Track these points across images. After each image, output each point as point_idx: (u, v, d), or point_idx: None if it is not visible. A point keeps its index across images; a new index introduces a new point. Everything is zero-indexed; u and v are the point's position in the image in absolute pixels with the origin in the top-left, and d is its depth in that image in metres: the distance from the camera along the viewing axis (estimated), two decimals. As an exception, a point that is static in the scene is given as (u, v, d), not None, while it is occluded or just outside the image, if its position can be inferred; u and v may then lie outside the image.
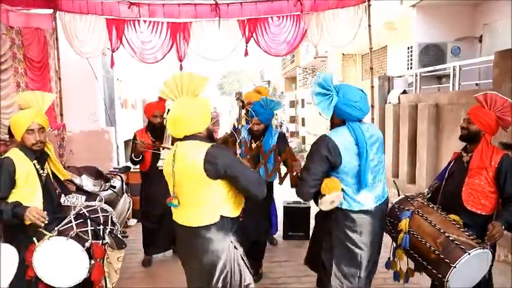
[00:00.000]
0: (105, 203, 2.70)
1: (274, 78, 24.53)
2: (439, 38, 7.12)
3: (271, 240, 4.75)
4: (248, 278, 2.27)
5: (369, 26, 5.44)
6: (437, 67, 6.33)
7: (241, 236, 2.32)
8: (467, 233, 2.33)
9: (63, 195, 2.75)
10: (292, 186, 2.67)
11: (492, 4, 6.78)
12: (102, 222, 2.53)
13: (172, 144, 3.94)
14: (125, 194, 4.21)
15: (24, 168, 2.52)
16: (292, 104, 18.36)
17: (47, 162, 2.74)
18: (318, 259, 2.55)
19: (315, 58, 12.51)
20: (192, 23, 5.85)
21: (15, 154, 2.54)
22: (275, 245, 4.75)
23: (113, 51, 5.79)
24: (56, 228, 2.36)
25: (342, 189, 2.32)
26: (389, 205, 2.67)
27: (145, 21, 5.78)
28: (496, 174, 2.45)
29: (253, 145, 3.67)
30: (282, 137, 3.81)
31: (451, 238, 2.30)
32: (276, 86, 23.69)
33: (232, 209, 2.19)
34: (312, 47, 6.78)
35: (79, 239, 2.33)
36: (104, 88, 7.35)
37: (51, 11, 5.48)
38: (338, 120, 2.39)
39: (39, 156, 2.64)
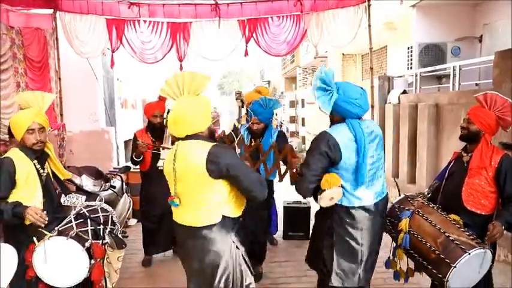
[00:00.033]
0: (105, 203, 2.70)
1: (274, 78, 24.54)
2: (439, 38, 7.12)
3: (271, 240, 4.75)
4: (249, 278, 2.26)
5: (369, 26, 5.45)
6: (437, 67, 6.33)
7: (242, 236, 2.32)
8: (468, 233, 2.33)
9: (63, 195, 2.75)
10: (292, 183, 2.67)
11: (492, 4, 6.78)
12: (102, 222, 2.53)
13: (172, 144, 3.94)
14: (125, 194, 4.20)
15: (25, 168, 2.52)
16: (292, 104, 18.38)
17: (47, 162, 2.74)
18: (318, 257, 2.55)
19: (315, 58, 12.52)
20: (192, 23, 5.85)
21: (15, 154, 2.54)
22: (275, 245, 4.75)
23: (113, 51, 5.79)
24: (56, 228, 2.36)
25: (342, 186, 2.33)
26: (390, 205, 2.67)
27: (145, 21, 5.78)
28: (496, 174, 2.45)
29: (253, 144, 3.68)
30: (282, 136, 3.82)
31: (451, 238, 2.30)
32: (276, 86, 23.70)
33: (234, 209, 2.19)
34: (312, 47, 6.80)
35: (79, 238, 2.33)
36: (104, 88, 7.35)
37: (51, 11, 5.49)
38: (338, 117, 2.39)
39: (39, 156, 2.64)
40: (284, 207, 5.00)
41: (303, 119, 16.22)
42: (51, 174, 2.78)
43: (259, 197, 2.17)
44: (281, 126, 15.86)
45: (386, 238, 2.63)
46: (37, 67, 5.48)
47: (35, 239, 2.27)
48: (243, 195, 2.21)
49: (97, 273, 2.34)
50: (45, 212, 2.38)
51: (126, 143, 8.33)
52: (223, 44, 5.95)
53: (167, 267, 4.07)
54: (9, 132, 2.76)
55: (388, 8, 7.49)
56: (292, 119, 18.25)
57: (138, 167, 4.25)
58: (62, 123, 5.51)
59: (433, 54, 7.00)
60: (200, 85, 2.17)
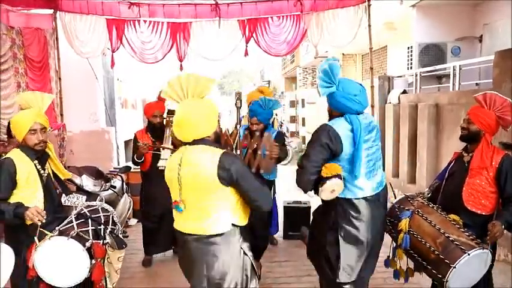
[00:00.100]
0: (105, 203, 2.70)
1: (274, 78, 24.54)
2: (439, 38, 7.13)
3: (272, 240, 4.75)
4: (254, 281, 2.24)
5: (369, 26, 5.45)
6: (437, 67, 6.33)
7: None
8: (467, 233, 2.34)
9: (64, 195, 2.75)
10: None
11: (492, 4, 6.78)
12: (103, 222, 2.53)
13: (172, 144, 3.95)
14: (125, 193, 4.21)
15: (25, 168, 2.52)
16: (293, 104, 18.37)
17: (47, 163, 2.75)
18: (320, 254, 2.55)
19: (315, 58, 12.51)
20: (192, 23, 5.86)
21: (16, 155, 2.54)
22: (275, 245, 4.75)
23: (113, 51, 5.80)
24: (56, 228, 2.37)
25: (344, 178, 2.33)
26: (389, 205, 2.68)
27: (145, 21, 5.79)
28: (497, 175, 2.46)
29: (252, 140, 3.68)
30: (279, 136, 3.82)
31: (450, 238, 2.30)
32: (276, 86, 23.70)
33: (241, 217, 2.16)
34: (312, 47, 6.80)
35: (80, 238, 2.34)
36: (104, 88, 7.36)
37: (51, 11, 5.50)
38: (337, 113, 2.41)
39: (40, 156, 2.64)
40: (284, 207, 5.01)
41: (303, 119, 16.22)
42: (51, 175, 2.79)
43: (264, 208, 2.17)
44: (281, 126, 15.86)
45: (386, 238, 2.64)
46: (37, 67, 5.49)
47: (36, 239, 2.28)
48: (247, 205, 2.18)
49: (97, 273, 2.34)
50: (45, 211, 2.38)
51: (126, 143, 8.34)
52: (223, 44, 5.95)
53: (167, 267, 4.07)
54: (8, 133, 2.76)
55: (388, 8, 7.49)
56: (293, 119, 18.24)
57: (138, 167, 4.26)
58: (62, 123, 5.51)
59: (433, 54, 7.01)
60: (205, 88, 2.12)
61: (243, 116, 4.56)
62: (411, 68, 7.10)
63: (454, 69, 5.62)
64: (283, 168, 10.20)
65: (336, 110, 2.41)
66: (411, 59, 7.15)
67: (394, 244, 2.63)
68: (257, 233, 3.56)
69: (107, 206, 2.65)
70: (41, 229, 2.30)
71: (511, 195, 2.43)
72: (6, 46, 4.98)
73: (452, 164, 2.71)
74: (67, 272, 2.28)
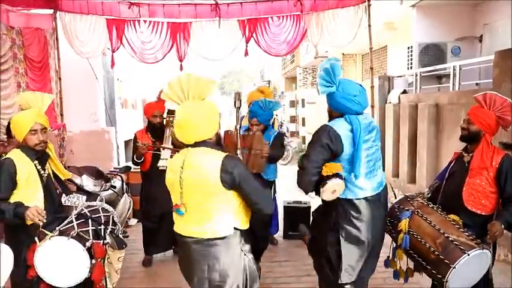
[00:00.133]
0: (105, 203, 2.70)
1: (274, 78, 24.54)
2: (439, 38, 7.13)
3: (272, 240, 4.75)
4: (255, 284, 2.24)
5: (369, 26, 5.45)
6: (438, 67, 6.33)
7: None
8: (467, 234, 2.34)
9: (64, 195, 2.75)
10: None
11: (492, 4, 6.78)
12: (103, 222, 2.53)
13: (173, 144, 3.95)
14: (125, 193, 4.21)
15: (26, 169, 2.52)
16: (293, 104, 18.37)
17: (47, 163, 2.75)
18: (321, 254, 2.55)
19: (315, 58, 12.51)
20: (192, 23, 5.86)
21: (16, 155, 2.54)
22: (275, 244, 4.75)
23: (113, 51, 5.80)
24: (57, 228, 2.37)
25: (345, 178, 2.33)
26: (389, 205, 2.68)
27: (145, 21, 5.79)
28: (497, 175, 2.46)
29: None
30: (278, 137, 3.82)
31: (450, 239, 2.30)
32: (276, 85, 23.71)
33: (244, 221, 2.16)
34: (312, 47, 6.80)
35: (80, 238, 2.34)
36: (104, 88, 7.36)
37: (51, 11, 5.50)
38: (337, 114, 2.42)
39: (40, 157, 2.64)
40: (284, 207, 5.01)
41: (303, 119, 16.22)
42: (51, 175, 2.79)
43: (265, 210, 2.17)
44: (281, 126, 15.88)
45: (386, 238, 2.64)
46: (37, 67, 5.49)
47: (36, 239, 2.28)
48: (249, 208, 2.17)
49: (98, 273, 2.34)
50: (45, 211, 2.39)
51: (126, 143, 8.34)
52: (223, 44, 5.95)
53: (167, 267, 4.07)
54: (7, 133, 2.76)
55: (388, 8, 7.49)
56: (293, 119, 18.24)
57: (138, 167, 4.26)
58: (62, 123, 5.51)
59: (433, 54, 7.01)
60: (205, 89, 2.10)
61: (243, 116, 4.56)
62: (411, 68, 7.10)
63: (454, 69, 5.62)
64: (283, 168, 10.19)
65: (335, 111, 2.43)
66: (411, 59, 7.15)
67: (394, 244, 2.63)
68: (257, 234, 3.56)
69: (107, 206, 2.65)
70: (41, 229, 2.30)
71: (511, 195, 2.43)
72: (6, 46, 4.98)
73: (452, 164, 2.71)
74: (67, 272, 2.28)
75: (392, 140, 6.50)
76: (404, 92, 6.57)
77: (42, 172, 2.62)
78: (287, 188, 6.62)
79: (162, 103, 4.11)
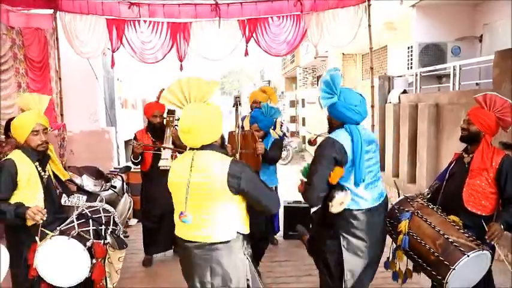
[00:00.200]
0: (105, 203, 2.71)
1: (275, 78, 24.55)
2: (439, 38, 7.12)
3: (272, 240, 4.76)
4: (256, 286, 2.24)
5: (369, 26, 5.45)
6: (438, 67, 6.33)
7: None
8: (467, 235, 2.34)
9: (64, 195, 2.75)
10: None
11: (492, 4, 6.78)
12: (104, 222, 2.54)
13: (173, 144, 3.95)
14: (126, 193, 4.21)
15: (26, 170, 2.53)
16: (293, 104, 18.38)
17: (48, 164, 2.75)
18: (319, 257, 2.56)
19: (315, 58, 12.51)
20: (192, 23, 5.86)
21: (17, 156, 2.55)
22: (275, 244, 4.76)
23: (113, 51, 5.80)
24: (58, 228, 2.37)
25: (349, 188, 2.34)
26: (389, 206, 2.68)
27: (145, 21, 5.79)
28: (497, 175, 2.46)
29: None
30: (277, 140, 3.83)
31: (450, 240, 2.30)
32: (276, 85, 23.69)
33: (246, 225, 2.16)
34: (312, 47, 6.79)
35: (80, 238, 2.34)
36: (104, 88, 7.36)
37: (51, 11, 5.50)
38: (337, 123, 2.43)
39: (41, 158, 2.65)
40: (284, 207, 5.01)
41: (303, 119, 16.23)
42: (52, 176, 2.79)
43: (274, 210, 2.25)
44: (281, 126, 15.93)
45: (386, 239, 2.64)
46: (37, 67, 5.49)
47: (37, 238, 2.28)
48: (257, 209, 2.17)
49: (98, 273, 2.35)
50: (45, 210, 2.39)
51: (126, 143, 8.34)
52: (223, 44, 5.95)
53: (168, 267, 4.07)
54: (5, 133, 2.76)
55: (388, 8, 7.49)
56: (293, 119, 18.24)
57: (138, 167, 4.26)
58: (63, 123, 5.52)
59: (433, 54, 7.01)
60: (207, 92, 2.08)
61: (245, 116, 4.56)
62: (411, 67, 7.10)
63: (454, 69, 5.62)
64: (283, 168, 10.20)
65: (336, 120, 2.44)
66: (411, 59, 7.15)
67: (394, 245, 2.63)
68: (257, 235, 3.57)
69: (108, 207, 2.66)
70: (42, 229, 2.31)
71: (510, 196, 2.44)
72: (7, 46, 4.98)
73: (452, 164, 2.72)
74: (68, 271, 2.29)
75: (392, 140, 6.50)
76: (405, 92, 6.57)
77: (42, 173, 2.63)
78: (287, 188, 6.62)
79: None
